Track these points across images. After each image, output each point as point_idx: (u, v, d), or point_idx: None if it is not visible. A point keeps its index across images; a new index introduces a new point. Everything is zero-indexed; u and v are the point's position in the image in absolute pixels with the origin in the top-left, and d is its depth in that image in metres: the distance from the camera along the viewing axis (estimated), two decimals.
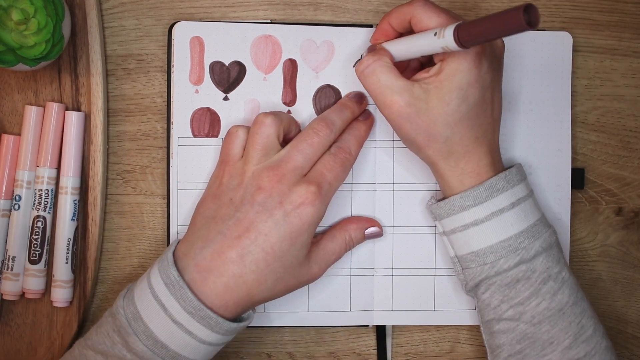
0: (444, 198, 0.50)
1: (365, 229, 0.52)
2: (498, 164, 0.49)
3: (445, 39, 0.43)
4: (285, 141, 0.49)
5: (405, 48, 0.47)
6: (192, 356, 0.45)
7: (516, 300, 0.47)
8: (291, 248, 0.45)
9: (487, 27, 0.40)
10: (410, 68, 0.52)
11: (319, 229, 0.53)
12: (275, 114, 0.48)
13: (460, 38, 0.42)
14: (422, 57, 0.50)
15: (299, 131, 0.51)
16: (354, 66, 0.53)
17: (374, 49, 0.49)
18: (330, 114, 0.50)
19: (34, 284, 0.52)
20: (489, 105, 0.47)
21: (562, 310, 0.47)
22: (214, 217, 0.47)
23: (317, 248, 0.49)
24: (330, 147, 0.49)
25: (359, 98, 0.52)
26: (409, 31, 0.48)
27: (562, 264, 0.48)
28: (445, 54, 0.46)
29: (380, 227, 0.53)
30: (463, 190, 0.48)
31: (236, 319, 0.47)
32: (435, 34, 0.44)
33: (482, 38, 0.41)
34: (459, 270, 0.50)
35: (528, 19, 0.37)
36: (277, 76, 0.53)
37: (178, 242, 0.48)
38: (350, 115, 0.51)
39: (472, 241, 0.48)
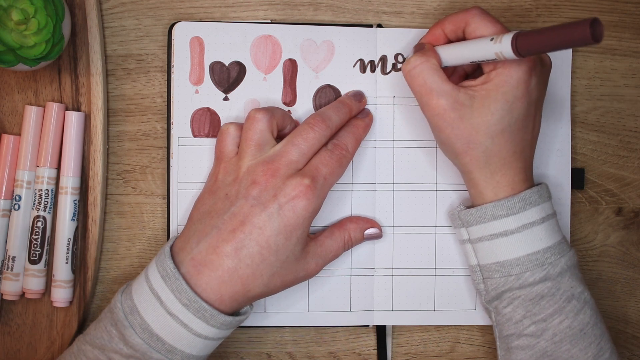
0: (472, 205, 0.50)
1: (365, 229, 0.52)
2: (530, 181, 0.49)
3: (502, 44, 0.43)
4: (280, 137, 0.49)
5: (457, 52, 0.47)
6: (187, 350, 0.45)
7: (539, 317, 0.47)
8: (287, 242, 0.45)
9: (549, 37, 0.40)
10: (454, 77, 0.52)
11: (316, 228, 0.53)
12: (267, 109, 0.48)
13: (519, 46, 0.42)
14: (468, 67, 0.50)
15: (295, 127, 0.51)
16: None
17: (421, 47, 0.49)
18: (327, 110, 0.49)
19: (34, 284, 0.52)
20: (531, 122, 0.48)
21: (583, 330, 0.47)
22: (210, 212, 0.47)
23: (315, 244, 0.49)
24: (327, 143, 0.48)
25: (359, 96, 0.52)
26: (459, 39, 0.48)
27: (584, 285, 0.48)
28: (496, 65, 0.46)
29: (380, 228, 0.53)
30: (496, 200, 0.48)
31: (233, 314, 0.47)
32: (491, 39, 0.44)
33: (541, 48, 0.41)
34: (479, 279, 0.50)
35: (593, 33, 0.37)
36: (277, 76, 0.53)
37: (176, 238, 0.48)
38: (347, 113, 0.51)
39: (499, 251, 0.48)
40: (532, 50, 0.42)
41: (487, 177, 0.48)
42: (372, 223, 0.53)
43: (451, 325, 0.56)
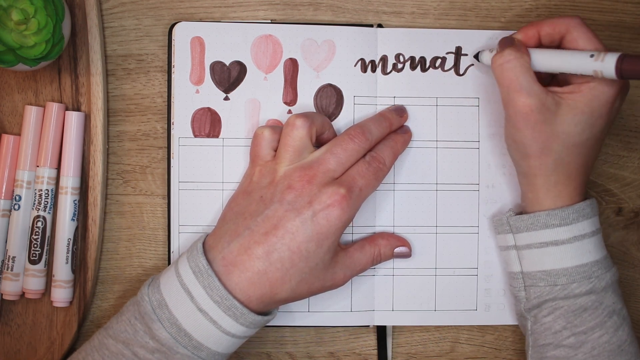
0: (522, 210, 0.50)
1: (395, 247, 0.52)
2: (584, 194, 0.49)
3: (604, 63, 0.43)
4: (319, 142, 0.49)
5: (552, 59, 0.46)
6: (214, 347, 0.45)
7: (580, 329, 0.47)
8: (317, 250, 0.45)
9: None
10: None
11: None
12: (306, 115, 0.48)
13: (624, 69, 0.42)
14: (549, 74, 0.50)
15: (333, 132, 0.51)
16: (475, 56, 0.53)
17: (511, 42, 0.48)
18: (368, 122, 0.50)
19: (34, 284, 0.52)
20: (602, 140, 0.48)
21: (621, 347, 0.47)
22: (243, 212, 0.47)
23: (345, 255, 0.49)
24: (364, 155, 0.49)
25: (400, 111, 0.52)
26: (553, 44, 0.48)
27: (623, 302, 0.49)
28: (589, 79, 0.45)
29: (409, 247, 0.53)
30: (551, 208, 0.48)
31: (260, 314, 0.47)
32: (592, 56, 0.44)
33: None
34: (520, 286, 0.50)
35: None
36: (278, 76, 0.53)
37: (207, 235, 0.48)
38: (388, 127, 0.51)
39: (547, 260, 0.48)
40: (636, 75, 0.42)
41: (549, 185, 0.48)
42: (402, 242, 0.53)
43: (451, 325, 0.56)
